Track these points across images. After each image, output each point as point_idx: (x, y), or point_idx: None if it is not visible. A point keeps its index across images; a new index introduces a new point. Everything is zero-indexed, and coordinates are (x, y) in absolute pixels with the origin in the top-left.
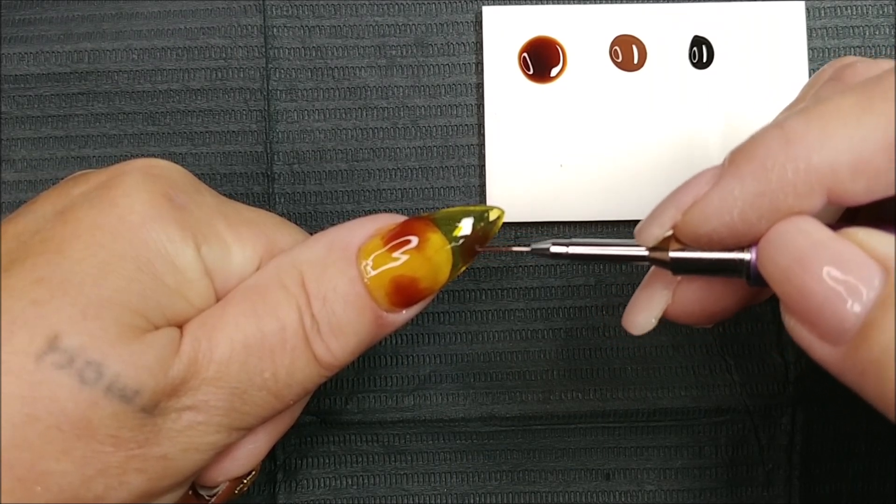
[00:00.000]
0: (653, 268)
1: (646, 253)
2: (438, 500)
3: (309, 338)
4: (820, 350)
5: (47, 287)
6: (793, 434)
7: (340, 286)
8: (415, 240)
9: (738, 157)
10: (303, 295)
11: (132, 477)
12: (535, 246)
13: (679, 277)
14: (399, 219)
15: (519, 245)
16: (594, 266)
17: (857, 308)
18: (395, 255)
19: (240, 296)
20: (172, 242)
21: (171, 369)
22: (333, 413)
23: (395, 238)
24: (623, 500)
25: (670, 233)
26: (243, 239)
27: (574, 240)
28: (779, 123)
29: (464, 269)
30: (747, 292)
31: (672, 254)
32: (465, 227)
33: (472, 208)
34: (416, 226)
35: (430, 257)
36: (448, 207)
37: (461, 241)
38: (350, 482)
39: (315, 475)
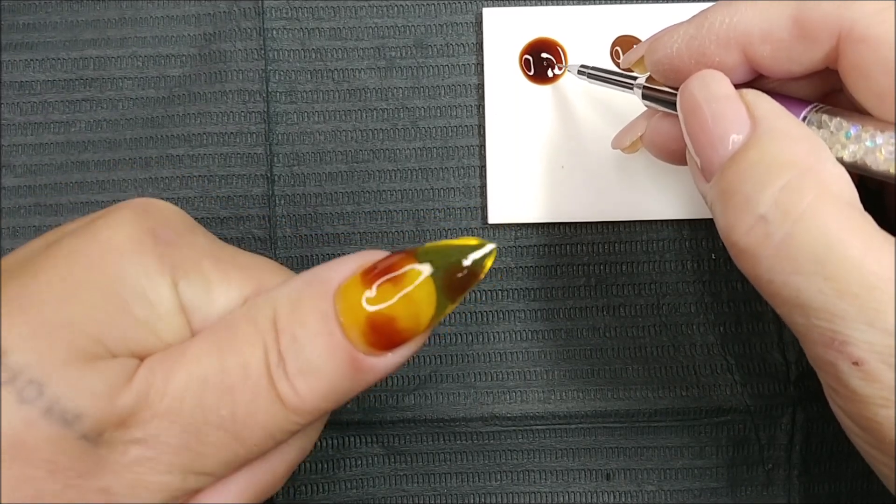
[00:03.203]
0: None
1: (632, 82)
2: (439, 501)
3: (273, 376)
4: (701, 185)
5: (8, 306)
6: (792, 433)
7: (311, 322)
8: (394, 275)
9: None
10: (272, 331)
11: None
12: (569, 66)
13: (657, 114)
14: (384, 254)
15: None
16: (594, 267)
17: (724, 152)
18: (371, 290)
19: (208, 331)
20: (147, 275)
21: (120, 398)
22: (333, 413)
23: (373, 272)
24: (624, 500)
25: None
26: (230, 280)
27: (592, 66)
28: None
29: (452, 308)
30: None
31: (640, 79)
32: (451, 262)
33: (461, 242)
34: (396, 260)
35: (409, 294)
36: (437, 241)
37: (445, 277)
38: (350, 483)
39: (314, 477)
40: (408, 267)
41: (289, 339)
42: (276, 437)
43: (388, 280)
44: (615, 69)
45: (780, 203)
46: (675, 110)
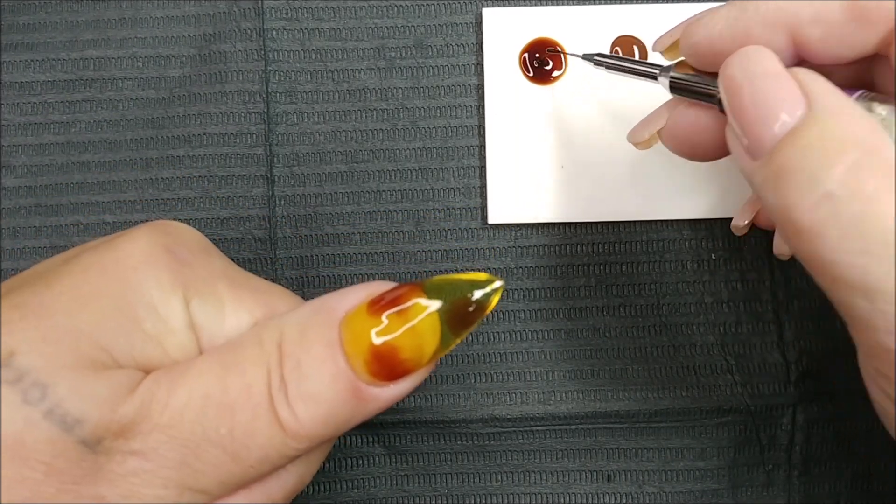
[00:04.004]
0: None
1: (657, 71)
2: (439, 502)
3: (274, 399)
4: (746, 165)
5: (21, 311)
6: (793, 434)
7: (316, 349)
8: (400, 306)
9: None
10: (276, 354)
11: None
12: (584, 54)
13: (679, 105)
14: (392, 285)
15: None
16: (594, 267)
17: (776, 130)
18: (376, 321)
19: (215, 350)
20: (160, 290)
21: (122, 407)
22: None
23: (380, 303)
24: (624, 501)
25: (680, 59)
26: (242, 302)
27: (609, 55)
28: None
29: (456, 342)
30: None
31: (671, 72)
32: (458, 297)
33: (468, 277)
34: (403, 293)
35: (414, 327)
36: (449, 274)
37: (451, 312)
38: (351, 483)
39: (315, 478)
40: (414, 300)
41: (293, 363)
42: (274, 460)
43: (394, 312)
44: (634, 58)
45: (847, 181)
46: (706, 99)
